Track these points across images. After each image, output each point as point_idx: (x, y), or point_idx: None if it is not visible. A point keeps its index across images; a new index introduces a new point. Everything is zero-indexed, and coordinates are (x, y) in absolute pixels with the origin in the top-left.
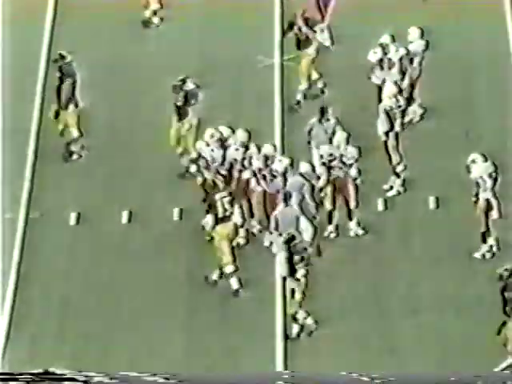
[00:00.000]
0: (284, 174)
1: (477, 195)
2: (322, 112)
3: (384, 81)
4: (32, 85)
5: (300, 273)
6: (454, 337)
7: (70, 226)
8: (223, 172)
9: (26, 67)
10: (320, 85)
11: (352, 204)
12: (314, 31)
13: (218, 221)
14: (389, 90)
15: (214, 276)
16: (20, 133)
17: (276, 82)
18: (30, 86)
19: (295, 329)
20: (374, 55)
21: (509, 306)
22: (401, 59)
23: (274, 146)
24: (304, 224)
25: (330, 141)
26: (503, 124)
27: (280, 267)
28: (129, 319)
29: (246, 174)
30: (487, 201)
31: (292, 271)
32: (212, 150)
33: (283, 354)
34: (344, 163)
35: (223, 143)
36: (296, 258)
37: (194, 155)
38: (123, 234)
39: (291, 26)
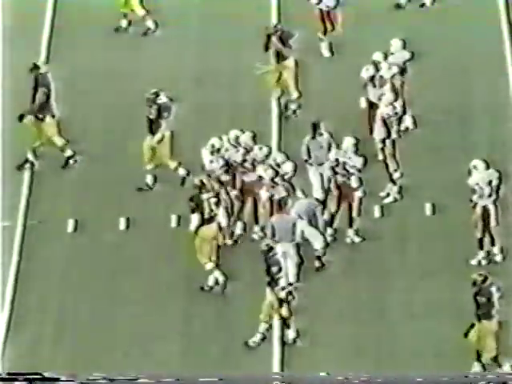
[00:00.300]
0: (289, 179)
1: (471, 201)
2: (315, 128)
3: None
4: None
5: (281, 283)
6: (450, 342)
7: (68, 233)
8: (226, 178)
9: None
10: (283, 100)
11: (354, 212)
12: (289, 46)
13: (204, 221)
14: (386, 97)
15: (210, 282)
16: (18, 139)
17: (273, 92)
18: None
19: (257, 337)
20: (366, 72)
21: (480, 310)
22: (393, 77)
23: (285, 153)
24: (313, 233)
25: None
26: (500, 131)
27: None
28: (126, 325)
29: (251, 177)
30: (484, 208)
31: (271, 282)
32: (211, 162)
33: (280, 359)
34: (347, 171)
35: (224, 152)
36: (273, 269)
37: (173, 165)
38: (121, 240)
39: (269, 38)
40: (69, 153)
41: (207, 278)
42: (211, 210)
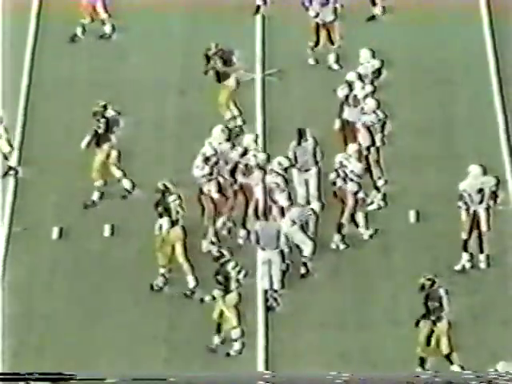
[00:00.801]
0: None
1: (459, 207)
2: (300, 134)
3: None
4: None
5: (216, 292)
6: None
7: (53, 240)
8: (208, 187)
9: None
10: (239, 122)
11: (344, 217)
12: (230, 65)
13: (173, 223)
14: (368, 105)
15: (191, 284)
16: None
17: (257, 97)
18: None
19: (236, 346)
20: (341, 91)
21: (434, 315)
22: (366, 96)
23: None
24: (303, 239)
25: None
26: (484, 138)
27: (261, 280)
28: (110, 332)
29: (247, 180)
30: (474, 213)
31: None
32: (197, 167)
33: (264, 366)
34: (346, 174)
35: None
36: (219, 277)
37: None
38: (106, 247)
39: (208, 60)
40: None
41: (187, 283)
42: (177, 213)
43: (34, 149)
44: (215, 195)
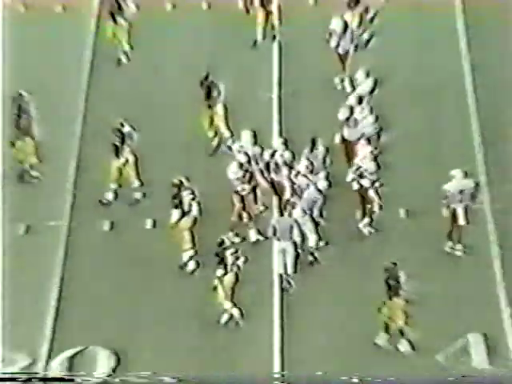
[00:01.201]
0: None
1: (444, 204)
2: (313, 142)
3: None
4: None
5: (218, 272)
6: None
7: (104, 231)
8: (242, 187)
9: None
10: (229, 142)
11: (375, 207)
12: (215, 97)
13: (184, 214)
14: (367, 120)
15: (191, 266)
16: (63, 147)
17: (274, 113)
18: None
19: (225, 317)
20: (342, 114)
21: (391, 291)
22: (365, 117)
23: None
24: (312, 230)
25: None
26: (462, 147)
27: (278, 265)
28: (146, 320)
29: (278, 178)
30: (454, 210)
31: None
32: (232, 172)
33: (280, 357)
34: (362, 173)
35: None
36: (216, 259)
37: (136, 184)
38: (148, 238)
39: (202, 84)
40: (35, 173)
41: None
42: (190, 205)
43: (91, 155)
44: (246, 192)
